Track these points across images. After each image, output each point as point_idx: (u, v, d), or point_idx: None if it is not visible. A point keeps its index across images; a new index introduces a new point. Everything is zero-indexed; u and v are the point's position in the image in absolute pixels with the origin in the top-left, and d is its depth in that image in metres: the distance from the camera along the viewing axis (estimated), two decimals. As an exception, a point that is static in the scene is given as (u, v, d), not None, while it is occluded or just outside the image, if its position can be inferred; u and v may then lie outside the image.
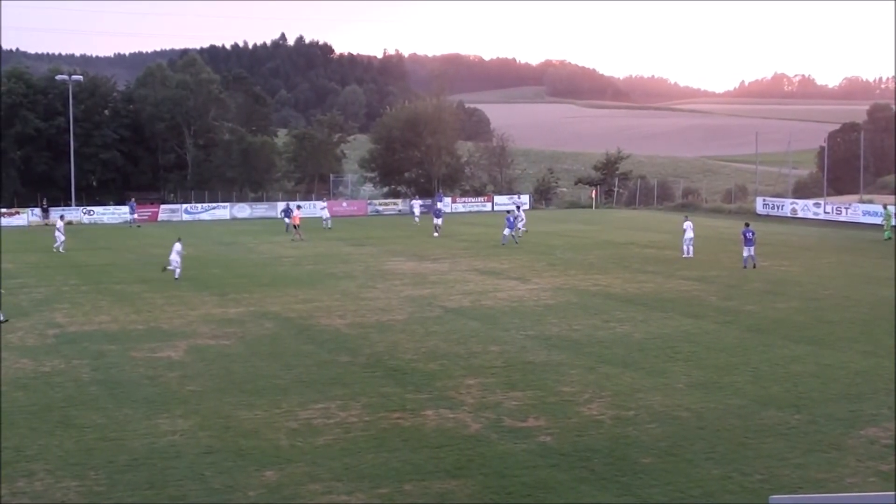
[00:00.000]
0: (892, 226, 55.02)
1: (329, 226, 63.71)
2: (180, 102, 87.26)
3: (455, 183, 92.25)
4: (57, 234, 51.24)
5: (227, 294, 35.04)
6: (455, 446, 16.97)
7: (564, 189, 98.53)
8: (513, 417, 18.70)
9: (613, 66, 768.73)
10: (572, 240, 54.10)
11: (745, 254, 42.25)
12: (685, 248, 46.20)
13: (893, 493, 10.43)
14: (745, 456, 16.38)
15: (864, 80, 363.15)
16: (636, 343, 26.02)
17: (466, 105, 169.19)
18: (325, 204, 68.88)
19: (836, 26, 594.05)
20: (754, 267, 41.57)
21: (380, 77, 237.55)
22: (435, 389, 20.88)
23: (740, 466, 15.83)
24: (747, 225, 43.22)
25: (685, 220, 48.22)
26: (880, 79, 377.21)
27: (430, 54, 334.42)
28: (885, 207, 58.97)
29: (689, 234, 46.40)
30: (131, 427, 18.11)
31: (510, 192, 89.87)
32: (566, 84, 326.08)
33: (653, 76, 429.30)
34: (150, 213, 76.07)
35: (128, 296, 34.97)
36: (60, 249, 50.27)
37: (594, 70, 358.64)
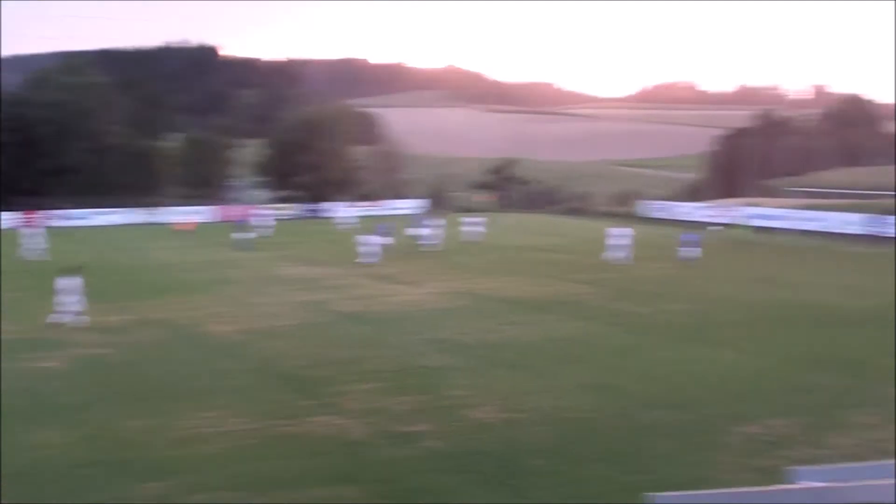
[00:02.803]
0: (750, 227, 56.70)
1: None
2: (69, 106, 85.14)
3: (349, 188, 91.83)
4: None
5: (111, 301, 34.12)
6: (344, 452, 16.76)
7: (458, 194, 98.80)
8: (402, 422, 18.56)
9: (507, 70, 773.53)
10: (463, 243, 54.23)
11: (686, 254, 44.90)
12: (619, 254, 46.27)
13: (772, 487, 10.60)
14: (630, 456, 16.52)
15: (752, 86, 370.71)
16: (527, 346, 26.12)
17: (361, 109, 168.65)
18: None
19: (725, 33, 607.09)
20: (689, 266, 43.88)
21: (275, 81, 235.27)
22: (325, 395, 20.62)
23: (627, 466, 15.96)
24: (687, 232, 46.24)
25: (618, 228, 48.16)
26: (765, 85, 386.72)
27: (326, 58, 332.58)
28: (742, 210, 61.00)
29: (625, 241, 46.55)
30: (5, 441, 17.46)
31: (403, 196, 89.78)
32: (460, 89, 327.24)
33: (545, 81, 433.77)
34: (31, 219, 74.06)
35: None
36: None
37: (486, 75, 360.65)
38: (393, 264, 44.98)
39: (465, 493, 14.89)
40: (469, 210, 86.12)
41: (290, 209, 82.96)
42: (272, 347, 25.89)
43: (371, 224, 50.49)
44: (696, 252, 45.59)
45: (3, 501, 14.39)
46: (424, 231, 53.42)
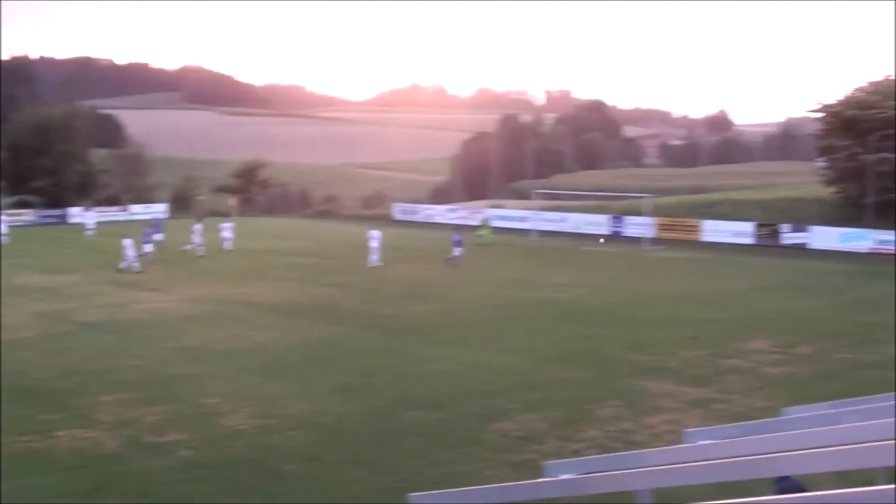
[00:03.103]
0: (489, 229, 58.26)
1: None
2: None
3: (89, 192, 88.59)
4: None
5: None
6: (92, 466, 16.30)
7: (204, 197, 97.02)
8: (152, 433, 18.21)
9: (252, 73, 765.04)
10: (212, 249, 53.39)
11: (456, 253, 46.44)
12: (375, 257, 46.39)
13: (527, 481, 11.02)
14: (385, 457, 16.81)
15: (494, 91, 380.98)
16: (277, 351, 26.07)
17: (100, 111, 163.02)
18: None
19: (472, 38, 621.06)
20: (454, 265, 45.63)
21: (5, 81, 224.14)
22: (69, 408, 19.93)
23: (382, 467, 16.23)
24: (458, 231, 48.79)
25: (376, 231, 48.24)
26: (508, 90, 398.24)
27: (60, 57, 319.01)
28: (483, 216, 62.77)
29: (374, 244, 46.54)
30: None
31: (149, 200, 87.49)
32: (204, 91, 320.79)
33: (291, 84, 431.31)
34: None
35: None
36: None
37: (232, 77, 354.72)
38: (144, 271, 43.85)
39: (219, 501, 14.78)
40: (217, 214, 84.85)
41: (25, 215, 79.19)
42: (12, 360, 24.71)
43: (125, 229, 48.66)
44: (461, 252, 46.81)
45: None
46: (158, 237, 52.10)
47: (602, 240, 59.04)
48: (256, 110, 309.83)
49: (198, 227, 52.03)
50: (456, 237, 47.64)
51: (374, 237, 46.81)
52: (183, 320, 31.02)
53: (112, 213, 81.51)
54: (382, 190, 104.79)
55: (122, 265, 43.22)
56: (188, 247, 51.12)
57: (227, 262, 48.08)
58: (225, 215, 63.07)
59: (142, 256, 44.82)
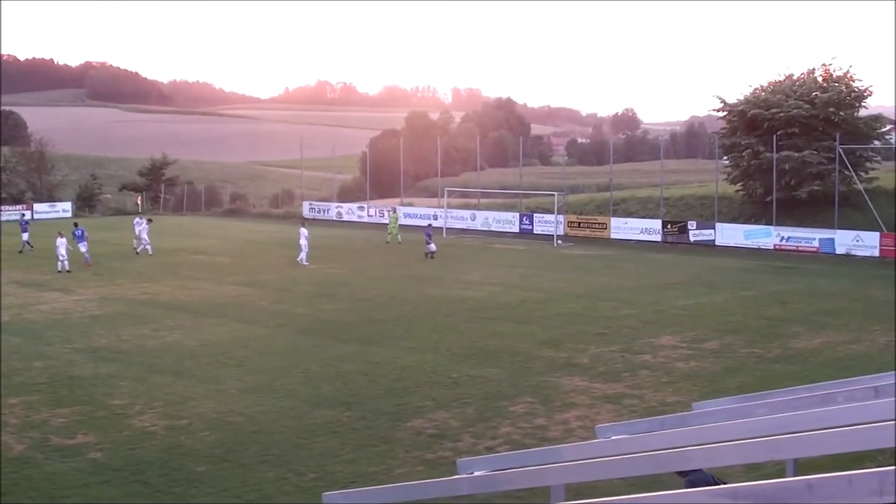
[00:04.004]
0: (397, 227, 58.21)
1: None
2: None
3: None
4: None
5: None
6: (3, 470, 15.94)
7: (109, 195, 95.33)
8: (60, 435, 17.89)
9: (157, 69, 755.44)
10: (119, 248, 52.56)
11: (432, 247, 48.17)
12: (302, 254, 45.87)
13: (441, 479, 11.03)
14: (298, 456, 16.73)
15: (403, 88, 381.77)
16: (187, 351, 25.79)
17: (1, 108, 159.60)
18: None
19: (372, 36, 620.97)
20: (432, 257, 47.76)
21: None
22: (-27, 412, 19.51)
23: (295, 467, 16.15)
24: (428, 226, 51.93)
25: (301, 227, 47.70)
26: (417, 88, 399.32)
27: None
28: (393, 211, 62.56)
29: (303, 242, 45.94)
30: None
31: (51, 199, 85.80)
32: (109, 87, 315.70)
33: (198, 81, 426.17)
34: None
35: None
36: None
37: (137, 73, 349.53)
38: (40, 270, 43.00)
39: (130, 503, 14.58)
40: (121, 212, 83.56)
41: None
42: (-90, 363, 24.10)
43: (52, 229, 47.53)
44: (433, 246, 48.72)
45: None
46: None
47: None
48: (162, 107, 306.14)
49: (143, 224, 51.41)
50: (427, 231, 49.97)
51: (304, 235, 46.23)
52: (90, 320, 30.51)
53: (15, 213, 79.77)
54: (291, 188, 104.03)
55: (58, 266, 42.38)
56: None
57: (135, 261, 47.35)
58: (131, 214, 61.93)
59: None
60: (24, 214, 67.26)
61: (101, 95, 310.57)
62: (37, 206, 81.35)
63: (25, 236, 52.10)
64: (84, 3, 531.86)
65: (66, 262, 42.61)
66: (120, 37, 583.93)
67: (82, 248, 45.17)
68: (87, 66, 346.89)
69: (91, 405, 20.02)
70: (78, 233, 45.79)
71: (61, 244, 42.71)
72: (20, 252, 50.22)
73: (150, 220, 53.01)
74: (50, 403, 20.16)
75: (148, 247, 50.30)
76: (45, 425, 18.56)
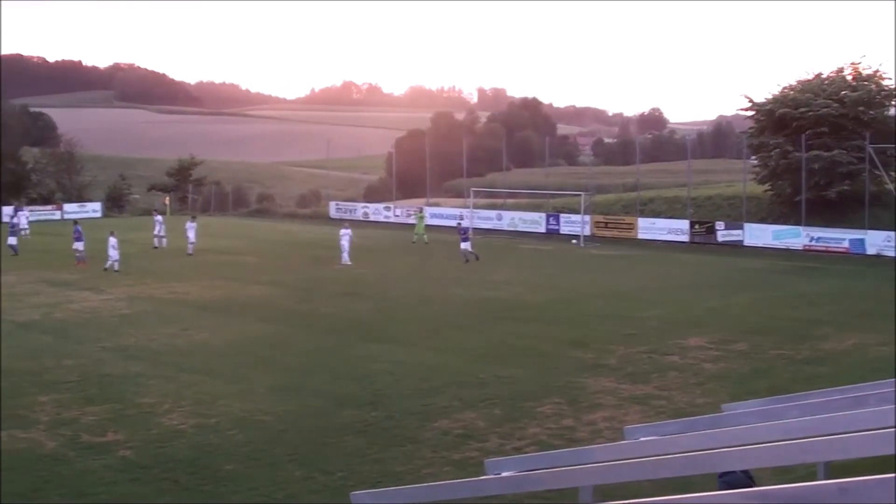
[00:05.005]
0: (424, 227, 58.32)
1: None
2: None
3: (21, 191, 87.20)
4: None
5: None
6: (29, 468, 16.06)
7: (137, 196, 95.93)
8: (91, 433, 18.00)
9: (184, 70, 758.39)
10: (147, 248, 52.88)
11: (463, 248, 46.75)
12: (343, 255, 45.87)
13: (469, 479, 11.02)
14: (326, 455, 16.75)
15: (428, 88, 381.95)
16: (215, 350, 25.90)
17: (31, 109, 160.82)
18: None
19: (398, 36, 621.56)
20: (477, 259, 46.36)
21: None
22: (6, 409, 19.58)
23: (322, 466, 16.17)
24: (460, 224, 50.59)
25: (342, 229, 47.67)
26: (442, 88, 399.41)
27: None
28: (420, 210, 62.68)
29: (345, 242, 45.97)
30: None
31: (81, 199, 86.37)
32: (136, 88, 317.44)
33: (225, 82, 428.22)
34: None
35: None
36: None
37: (164, 74, 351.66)
38: (69, 270, 43.30)
39: (158, 501, 14.65)
40: (149, 212, 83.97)
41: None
42: (-57, 362, 24.31)
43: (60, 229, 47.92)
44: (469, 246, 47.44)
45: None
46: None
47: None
48: (190, 108, 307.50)
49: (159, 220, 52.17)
50: (462, 231, 49.17)
51: (345, 235, 46.14)
52: (119, 319, 30.70)
53: (46, 213, 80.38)
54: (317, 188, 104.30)
55: (105, 264, 42.62)
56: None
57: (164, 261, 47.61)
58: (160, 214, 62.09)
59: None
60: (20, 215, 67.02)
61: (129, 97, 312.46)
62: (66, 207, 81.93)
63: (13, 240, 51.90)
64: (111, 5, 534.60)
65: (115, 264, 42.75)
66: (147, 38, 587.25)
67: (79, 246, 45.51)
68: (116, 68, 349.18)
69: (121, 403, 20.13)
70: (76, 233, 46.04)
71: (112, 243, 42.78)
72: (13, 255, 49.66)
73: (193, 218, 53.49)
74: (80, 401, 20.29)
75: (164, 240, 51.56)
76: (75, 423, 18.68)
